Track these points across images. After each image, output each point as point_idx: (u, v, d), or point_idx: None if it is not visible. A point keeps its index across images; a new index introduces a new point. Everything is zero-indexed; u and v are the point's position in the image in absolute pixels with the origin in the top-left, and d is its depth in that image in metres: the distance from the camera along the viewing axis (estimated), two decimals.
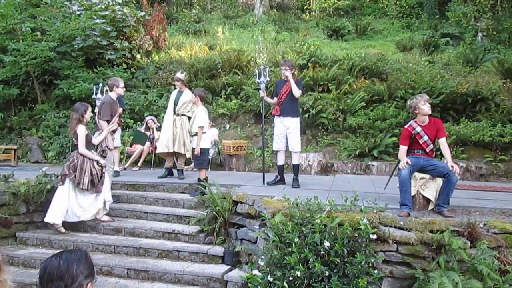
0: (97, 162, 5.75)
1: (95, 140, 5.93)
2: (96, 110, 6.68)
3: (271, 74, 9.05)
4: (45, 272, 1.86)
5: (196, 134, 6.29)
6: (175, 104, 7.36)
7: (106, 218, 5.97)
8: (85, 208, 5.72)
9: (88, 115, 5.77)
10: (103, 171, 5.83)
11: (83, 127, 5.67)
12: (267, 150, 8.50)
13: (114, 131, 6.45)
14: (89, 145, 5.77)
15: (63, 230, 5.76)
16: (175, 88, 7.80)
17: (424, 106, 4.68)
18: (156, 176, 7.35)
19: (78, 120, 5.65)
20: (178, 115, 7.33)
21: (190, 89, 7.67)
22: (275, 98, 6.56)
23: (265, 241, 4.33)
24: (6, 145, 10.15)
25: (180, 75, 7.53)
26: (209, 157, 7.97)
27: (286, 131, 6.40)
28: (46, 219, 5.65)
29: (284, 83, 6.48)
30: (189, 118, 7.28)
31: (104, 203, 5.90)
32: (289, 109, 6.36)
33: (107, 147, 6.06)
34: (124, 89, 6.83)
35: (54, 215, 5.60)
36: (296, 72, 10.05)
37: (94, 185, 5.69)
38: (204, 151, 6.28)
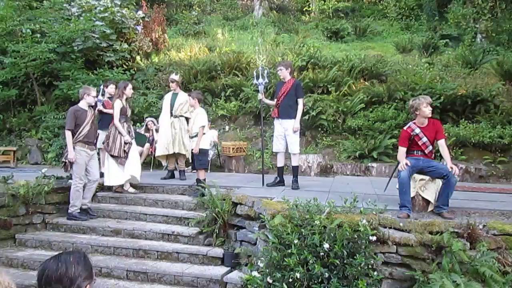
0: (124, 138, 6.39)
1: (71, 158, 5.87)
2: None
3: (270, 76, 9.05)
4: (43, 274, 1.84)
5: (196, 136, 6.29)
6: (172, 106, 7.35)
7: (132, 190, 6.65)
8: (114, 175, 6.40)
9: (128, 91, 6.63)
10: (126, 148, 6.39)
11: (119, 101, 6.46)
12: (267, 152, 8.50)
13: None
14: (122, 118, 6.49)
15: (131, 190, 6.61)
16: (169, 91, 7.79)
17: (425, 108, 4.68)
18: (155, 178, 7.36)
19: (118, 95, 6.52)
20: (175, 116, 7.34)
21: (189, 90, 7.68)
22: (275, 100, 6.54)
23: (264, 243, 4.32)
24: (5, 146, 10.14)
25: (174, 76, 7.54)
26: (209, 159, 7.99)
27: (285, 132, 6.38)
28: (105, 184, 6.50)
29: (282, 85, 6.45)
30: (187, 119, 7.31)
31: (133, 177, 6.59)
32: (288, 111, 6.33)
33: (67, 159, 5.87)
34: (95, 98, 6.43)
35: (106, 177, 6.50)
36: (295, 74, 10.10)
37: (119, 156, 6.31)
38: (205, 151, 6.28)
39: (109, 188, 6.68)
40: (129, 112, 6.74)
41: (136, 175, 6.59)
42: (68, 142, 5.86)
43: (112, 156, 6.39)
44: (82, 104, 6.07)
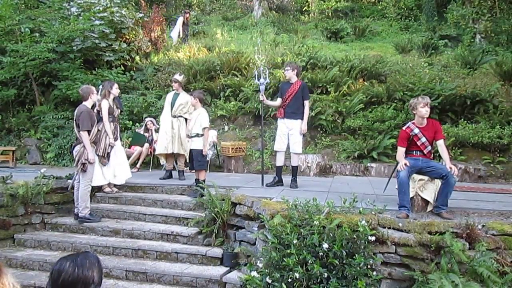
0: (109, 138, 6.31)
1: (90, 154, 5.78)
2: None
3: (270, 76, 9.05)
4: (59, 277, 1.85)
5: (196, 135, 6.29)
6: (172, 106, 7.38)
7: (108, 189, 6.69)
8: (97, 175, 6.24)
9: (114, 90, 6.55)
10: (109, 150, 6.31)
11: (106, 102, 6.38)
12: (266, 152, 8.50)
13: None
14: (110, 118, 6.39)
15: (108, 189, 6.66)
16: (171, 90, 7.82)
17: (422, 108, 4.68)
18: (154, 178, 7.36)
19: (104, 95, 6.43)
20: (175, 116, 7.36)
21: (189, 90, 7.70)
22: (279, 100, 6.58)
23: (263, 243, 4.33)
24: (4, 146, 10.13)
25: (178, 77, 7.58)
26: (208, 159, 7.98)
27: (289, 132, 6.43)
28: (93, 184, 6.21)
29: (289, 86, 6.50)
30: (186, 119, 7.33)
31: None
32: (294, 112, 6.41)
33: (87, 160, 5.72)
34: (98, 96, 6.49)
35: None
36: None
37: (104, 157, 6.20)
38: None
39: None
40: (116, 112, 6.64)
41: (127, 175, 6.72)
42: (87, 143, 5.71)
43: (97, 155, 6.13)
44: (89, 104, 5.97)
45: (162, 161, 8.05)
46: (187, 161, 6.93)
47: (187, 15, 14.36)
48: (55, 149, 9.76)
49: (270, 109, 8.71)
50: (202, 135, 6.24)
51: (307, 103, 6.49)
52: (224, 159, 8.81)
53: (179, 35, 13.68)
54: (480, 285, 3.61)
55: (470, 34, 13.16)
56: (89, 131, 5.79)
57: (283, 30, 16.04)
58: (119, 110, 6.88)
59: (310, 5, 18.78)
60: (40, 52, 9.82)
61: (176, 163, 7.63)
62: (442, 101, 8.58)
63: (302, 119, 6.42)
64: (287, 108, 6.44)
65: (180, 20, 13.71)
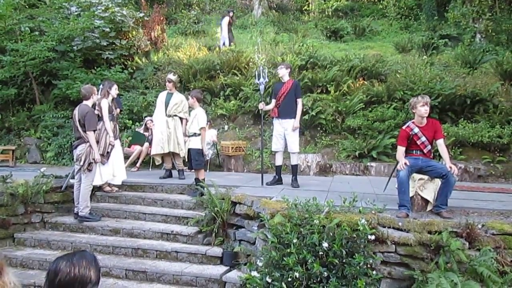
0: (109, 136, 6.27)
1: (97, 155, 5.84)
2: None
3: (270, 76, 9.05)
4: (55, 277, 1.83)
5: (193, 135, 6.29)
6: (166, 106, 7.37)
7: (108, 188, 6.69)
8: (96, 174, 6.19)
9: (113, 91, 6.57)
10: (109, 149, 6.24)
11: (106, 101, 6.37)
12: (266, 151, 8.50)
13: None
14: (109, 117, 6.36)
15: (108, 188, 6.65)
16: (164, 90, 7.81)
17: (421, 108, 4.68)
18: (154, 177, 7.36)
19: (103, 95, 6.45)
20: (170, 116, 7.35)
21: (189, 90, 7.69)
22: (273, 101, 6.59)
23: (263, 242, 4.33)
24: (4, 145, 10.13)
25: (172, 76, 7.58)
26: (208, 158, 7.98)
27: (285, 132, 6.43)
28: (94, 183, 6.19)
29: (281, 85, 6.52)
30: (181, 118, 7.34)
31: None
32: (287, 111, 6.41)
33: (93, 159, 5.80)
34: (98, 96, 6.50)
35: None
36: (295, 74, 10.10)
37: (103, 155, 6.11)
38: (201, 151, 6.28)
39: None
40: (115, 112, 6.65)
41: (123, 177, 6.69)
42: (94, 142, 5.79)
43: None
44: (90, 103, 6.00)
45: (158, 161, 8.05)
46: (185, 160, 6.94)
47: (231, 14, 13.73)
48: (55, 148, 9.76)
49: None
50: (199, 134, 6.25)
51: (299, 101, 6.49)
52: (224, 158, 8.81)
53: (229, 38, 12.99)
54: (479, 285, 3.61)
55: (470, 34, 13.16)
56: (94, 131, 5.87)
57: (283, 29, 16.02)
58: (118, 110, 6.88)
59: (310, 4, 18.76)
60: (40, 51, 9.82)
61: (175, 162, 7.63)
62: (442, 100, 8.58)
63: (296, 117, 6.43)
64: (281, 108, 6.45)
65: (226, 21, 13.05)
